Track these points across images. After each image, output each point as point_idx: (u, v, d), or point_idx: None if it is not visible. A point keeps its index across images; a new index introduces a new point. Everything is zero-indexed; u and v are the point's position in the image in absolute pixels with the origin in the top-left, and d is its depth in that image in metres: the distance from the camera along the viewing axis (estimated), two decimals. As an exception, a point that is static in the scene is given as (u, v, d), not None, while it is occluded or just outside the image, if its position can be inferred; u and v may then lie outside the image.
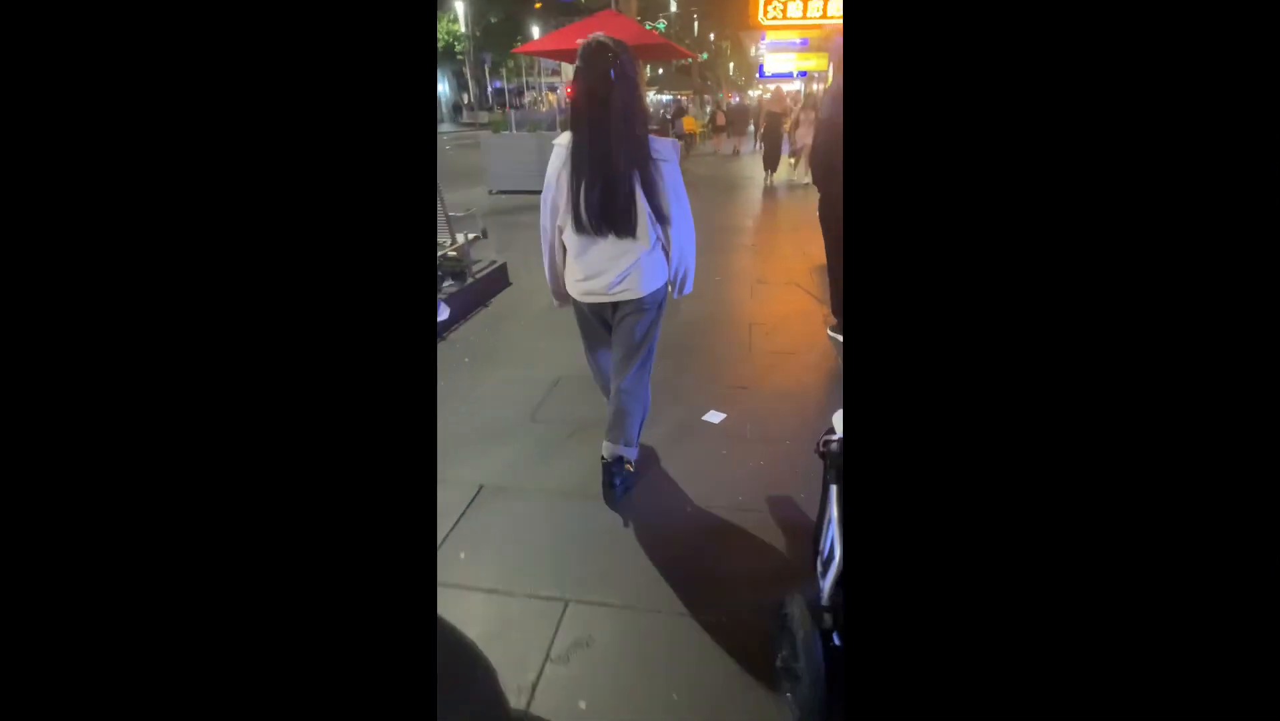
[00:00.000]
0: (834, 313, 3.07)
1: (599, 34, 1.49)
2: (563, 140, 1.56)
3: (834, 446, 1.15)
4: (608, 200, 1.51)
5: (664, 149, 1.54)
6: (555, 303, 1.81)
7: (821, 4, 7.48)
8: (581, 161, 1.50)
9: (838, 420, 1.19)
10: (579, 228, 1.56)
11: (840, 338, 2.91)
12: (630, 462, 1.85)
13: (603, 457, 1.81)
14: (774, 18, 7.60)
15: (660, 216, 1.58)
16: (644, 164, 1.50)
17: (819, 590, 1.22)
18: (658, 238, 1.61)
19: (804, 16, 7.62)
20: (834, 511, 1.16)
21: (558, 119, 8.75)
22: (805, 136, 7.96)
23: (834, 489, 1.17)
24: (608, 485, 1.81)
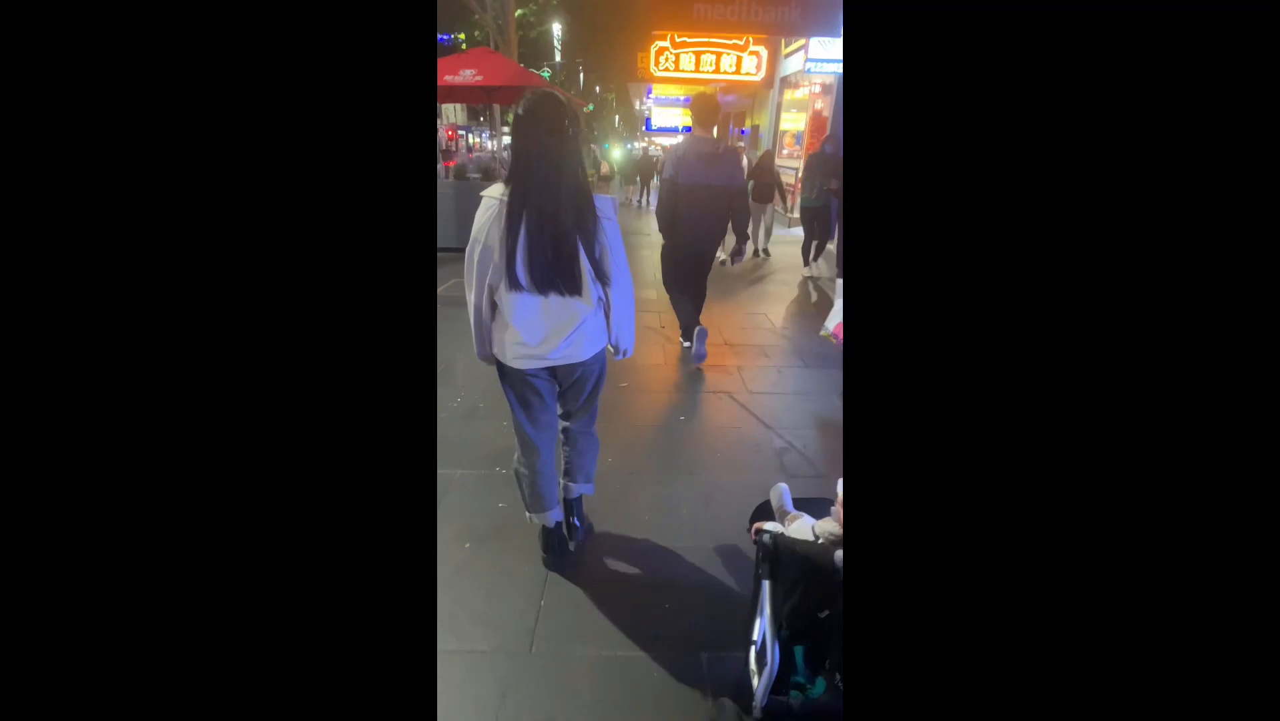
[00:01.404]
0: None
1: (544, 89, 1.45)
2: (494, 192, 1.42)
3: (765, 538, 1.11)
4: (553, 258, 1.41)
5: (606, 206, 1.46)
6: (479, 357, 1.66)
7: (713, 59, 7.63)
8: (521, 216, 1.38)
9: (774, 496, 1.18)
10: (515, 286, 1.42)
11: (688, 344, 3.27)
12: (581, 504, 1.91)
13: (546, 527, 1.79)
14: (665, 69, 7.62)
15: (601, 275, 1.48)
16: (587, 222, 1.42)
17: (751, 692, 1.18)
18: (599, 297, 1.52)
19: (696, 70, 7.72)
20: (766, 608, 1.12)
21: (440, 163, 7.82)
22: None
23: (766, 585, 1.13)
24: (569, 525, 1.86)
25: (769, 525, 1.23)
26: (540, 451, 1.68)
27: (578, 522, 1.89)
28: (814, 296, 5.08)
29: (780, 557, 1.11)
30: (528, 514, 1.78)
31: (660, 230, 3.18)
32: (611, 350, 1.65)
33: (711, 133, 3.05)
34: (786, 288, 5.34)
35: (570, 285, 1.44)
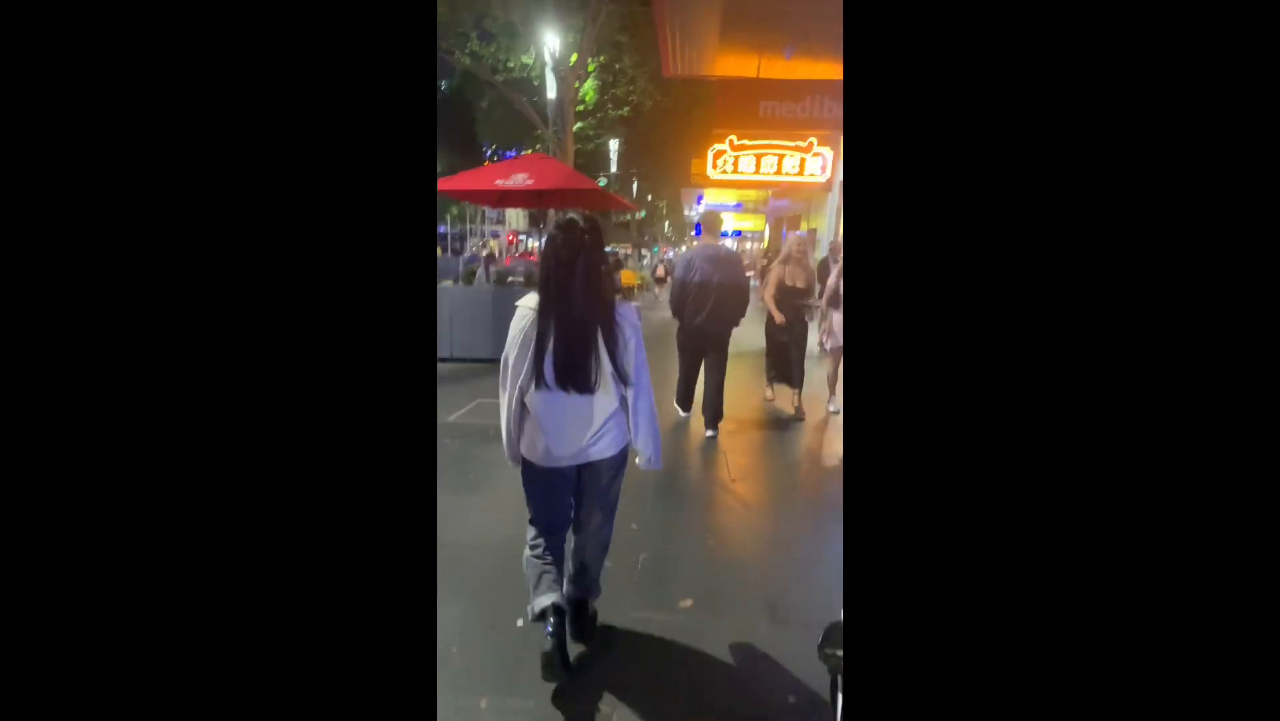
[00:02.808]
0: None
1: (572, 213, 1.60)
2: (529, 302, 1.60)
3: (840, 654, 1.06)
4: (571, 355, 1.55)
5: (629, 313, 1.61)
6: (510, 461, 1.74)
7: (775, 160, 7.40)
8: (548, 319, 1.55)
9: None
10: (541, 384, 1.58)
11: (684, 414, 4.14)
12: (594, 609, 1.87)
13: (556, 605, 1.65)
14: (723, 171, 7.41)
15: (623, 376, 1.60)
16: (608, 324, 1.57)
17: None
18: (621, 396, 1.64)
19: (756, 171, 7.48)
20: None
21: (491, 269, 7.59)
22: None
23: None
24: (574, 635, 1.77)
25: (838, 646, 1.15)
26: (554, 537, 1.76)
27: (573, 628, 1.77)
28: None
29: None
30: (530, 603, 1.70)
31: (674, 315, 3.90)
32: (637, 455, 1.71)
33: (717, 240, 3.95)
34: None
35: (585, 382, 1.56)
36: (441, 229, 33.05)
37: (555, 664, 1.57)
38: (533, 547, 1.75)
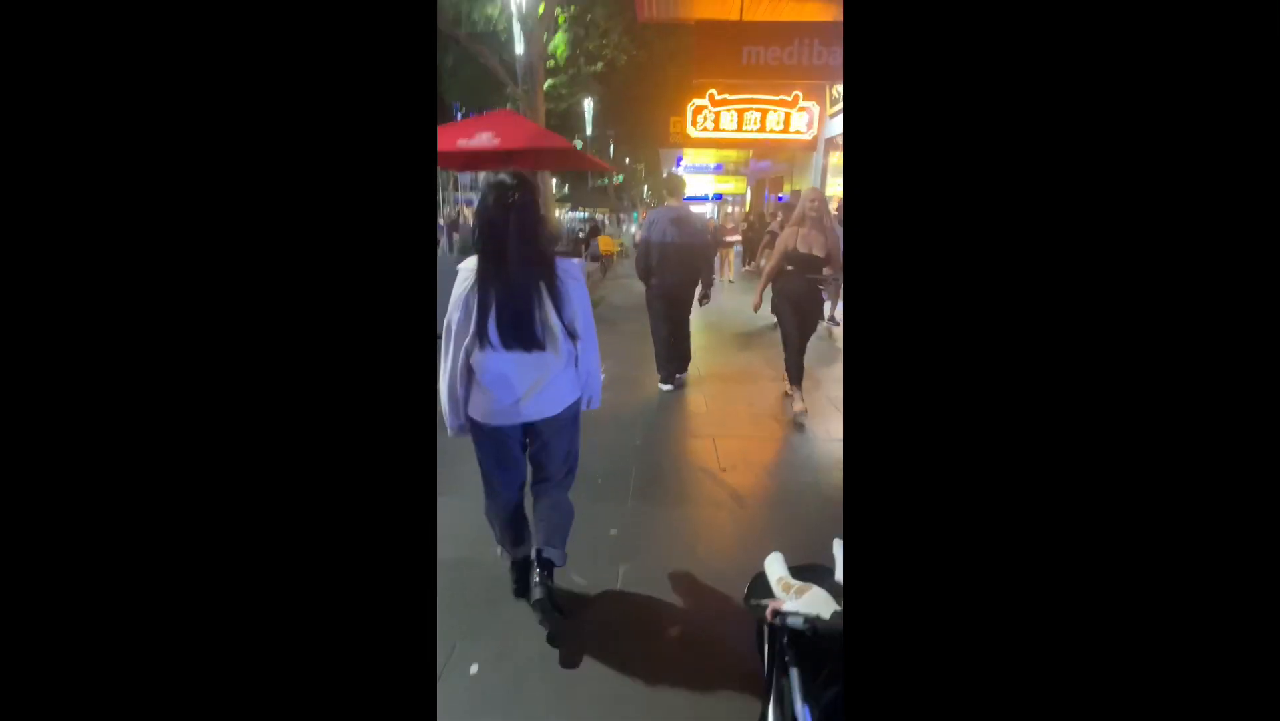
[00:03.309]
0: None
1: (501, 173, 1.60)
2: (468, 265, 1.61)
3: (798, 622, 0.98)
4: (516, 313, 1.56)
5: (571, 268, 1.64)
6: (450, 430, 1.70)
7: (758, 116, 6.96)
8: (488, 280, 1.56)
9: (771, 567, 1.12)
10: (486, 344, 1.58)
11: (666, 387, 4.05)
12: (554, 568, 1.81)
13: (533, 556, 1.75)
14: (704, 129, 6.96)
15: (571, 332, 1.63)
16: (551, 280, 1.59)
17: None
18: (569, 352, 1.66)
19: (739, 128, 7.04)
20: (797, 698, 0.98)
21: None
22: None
23: (795, 672, 1.01)
24: (537, 584, 1.70)
25: (789, 604, 1.05)
26: (507, 498, 1.79)
27: (542, 580, 1.71)
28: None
29: (820, 643, 0.99)
30: (497, 548, 1.88)
31: (640, 278, 4.06)
32: (584, 404, 1.78)
33: (680, 202, 4.08)
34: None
35: (532, 340, 1.58)
36: (413, 197, 31.78)
37: (548, 608, 1.66)
38: (489, 507, 1.83)
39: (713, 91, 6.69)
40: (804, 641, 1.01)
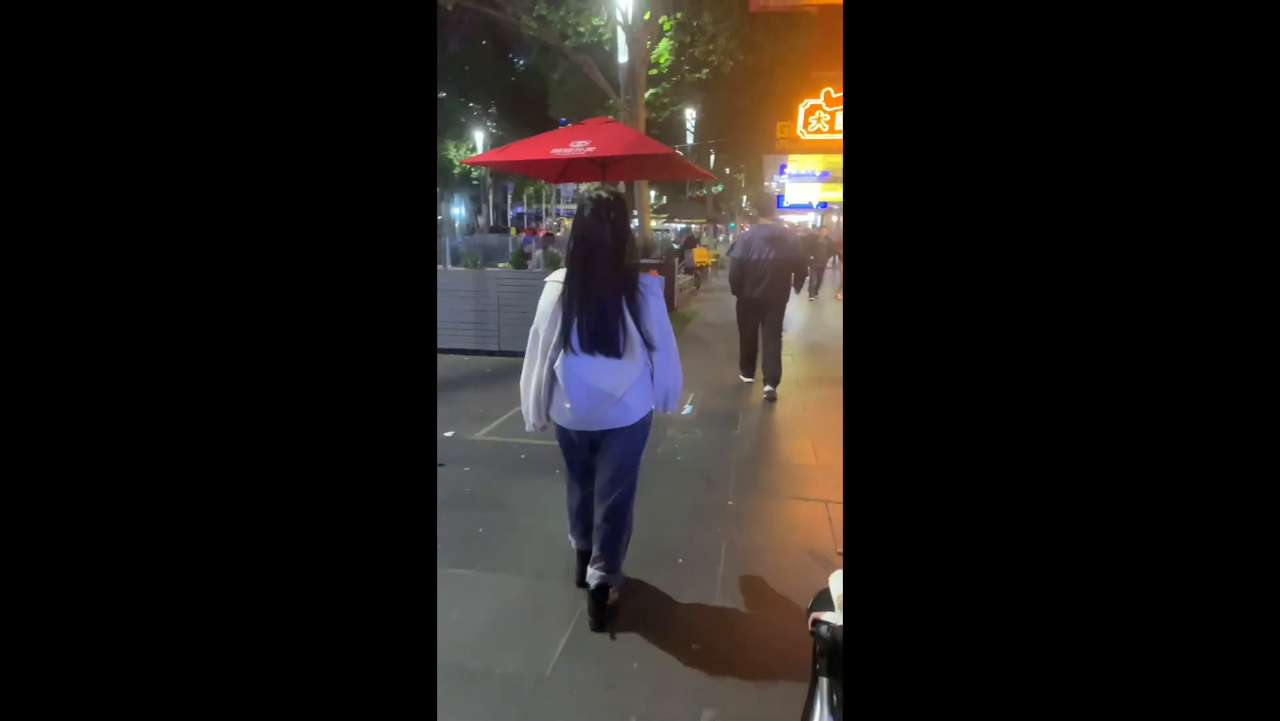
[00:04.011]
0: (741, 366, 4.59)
1: (598, 188, 1.78)
2: (557, 276, 1.74)
3: (824, 630, 0.98)
4: (598, 322, 1.67)
5: (651, 283, 1.75)
6: (529, 427, 1.84)
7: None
8: (574, 291, 1.69)
9: (834, 584, 1.03)
10: (570, 350, 1.69)
11: (747, 380, 4.60)
12: (617, 590, 1.93)
13: (588, 585, 1.83)
14: (817, 131, 6.36)
15: (648, 343, 1.72)
16: (631, 294, 1.70)
17: None
18: (646, 363, 1.74)
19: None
20: (823, 708, 0.99)
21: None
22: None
23: (824, 682, 1.00)
24: (594, 613, 1.84)
25: (827, 615, 1.04)
26: (580, 492, 1.93)
27: (601, 611, 1.83)
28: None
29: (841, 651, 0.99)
30: (569, 536, 2.02)
31: (733, 291, 4.39)
32: (657, 409, 1.85)
33: (772, 220, 4.58)
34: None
35: (612, 346, 1.69)
36: (518, 209, 33.09)
37: (592, 611, 1.81)
38: (570, 495, 1.96)
39: (829, 90, 6.09)
40: (832, 651, 1.01)
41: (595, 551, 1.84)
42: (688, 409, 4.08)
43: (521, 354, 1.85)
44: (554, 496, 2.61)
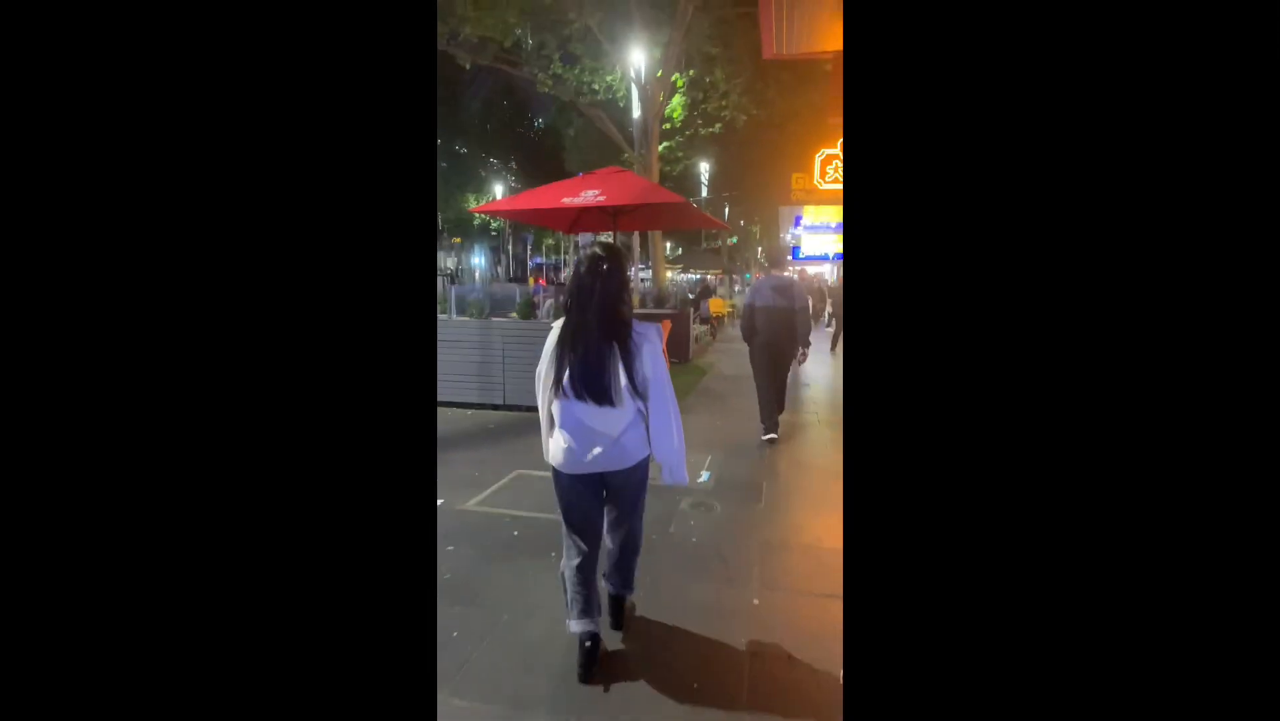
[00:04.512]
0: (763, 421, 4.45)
1: (595, 244, 1.84)
2: (559, 323, 1.79)
3: None
4: (586, 366, 1.68)
5: (647, 331, 1.75)
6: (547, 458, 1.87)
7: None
8: (569, 336, 1.72)
9: None
10: (561, 393, 1.71)
11: (767, 437, 4.43)
12: (632, 602, 2.06)
13: (590, 632, 1.81)
14: (834, 180, 6.18)
15: (638, 390, 1.70)
16: (624, 340, 1.70)
17: None
18: (638, 410, 1.74)
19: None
20: None
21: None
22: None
23: None
24: (613, 626, 1.98)
25: None
26: (581, 554, 1.82)
27: (618, 621, 1.99)
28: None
29: None
30: (567, 621, 1.85)
31: (744, 339, 4.60)
32: (658, 468, 1.80)
33: (782, 271, 4.91)
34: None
35: (602, 393, 1.68)
36: (537, 259, 33.52)
37: (584, 679, 1.77)
38: (568, 559, 1.85)
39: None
40: None
41: (608, 570, 1.96)
42: (704, 475, 3.67)
43: (526, 407, 1.83)
44: (544, 585, 2.28)
